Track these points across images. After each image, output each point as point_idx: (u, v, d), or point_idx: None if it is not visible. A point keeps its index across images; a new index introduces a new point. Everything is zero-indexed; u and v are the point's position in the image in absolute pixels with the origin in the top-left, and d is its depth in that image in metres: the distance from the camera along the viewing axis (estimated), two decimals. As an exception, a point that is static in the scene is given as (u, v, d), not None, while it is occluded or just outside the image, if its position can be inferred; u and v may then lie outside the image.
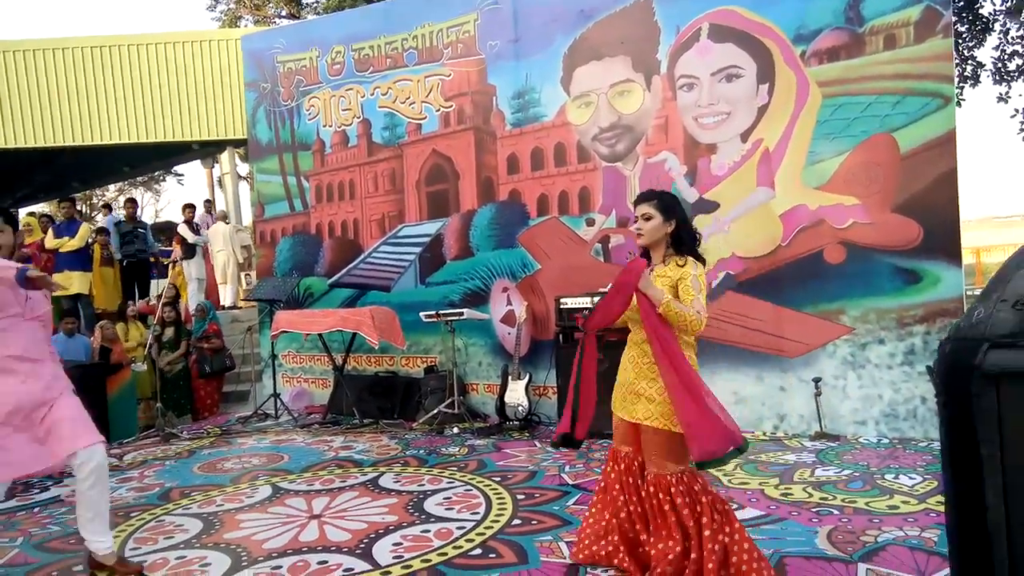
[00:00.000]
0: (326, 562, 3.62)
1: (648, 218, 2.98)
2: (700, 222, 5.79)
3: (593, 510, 3.28)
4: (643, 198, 3.05)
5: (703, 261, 3.02)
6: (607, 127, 6.15)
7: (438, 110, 6.98)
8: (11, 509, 4.90)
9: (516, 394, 6.26)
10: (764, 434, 5.68)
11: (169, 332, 8.24)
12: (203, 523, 4.35)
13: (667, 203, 3.01)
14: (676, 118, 5.88)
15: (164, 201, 26.44)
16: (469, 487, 4.72)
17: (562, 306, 5.82)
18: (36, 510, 4.87)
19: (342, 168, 7.61)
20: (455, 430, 6.32)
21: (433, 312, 6.56)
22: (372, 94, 7.34)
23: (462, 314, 6.44)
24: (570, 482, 4.64)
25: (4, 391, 3.21)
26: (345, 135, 7.58)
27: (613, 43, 6.10)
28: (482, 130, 6.76)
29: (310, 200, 7.87)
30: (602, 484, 3.24)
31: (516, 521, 4.00)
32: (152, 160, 19.96)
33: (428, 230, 7.13)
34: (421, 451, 5.76)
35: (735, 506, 3.96)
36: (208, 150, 17.13)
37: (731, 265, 5.70)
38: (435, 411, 6.58)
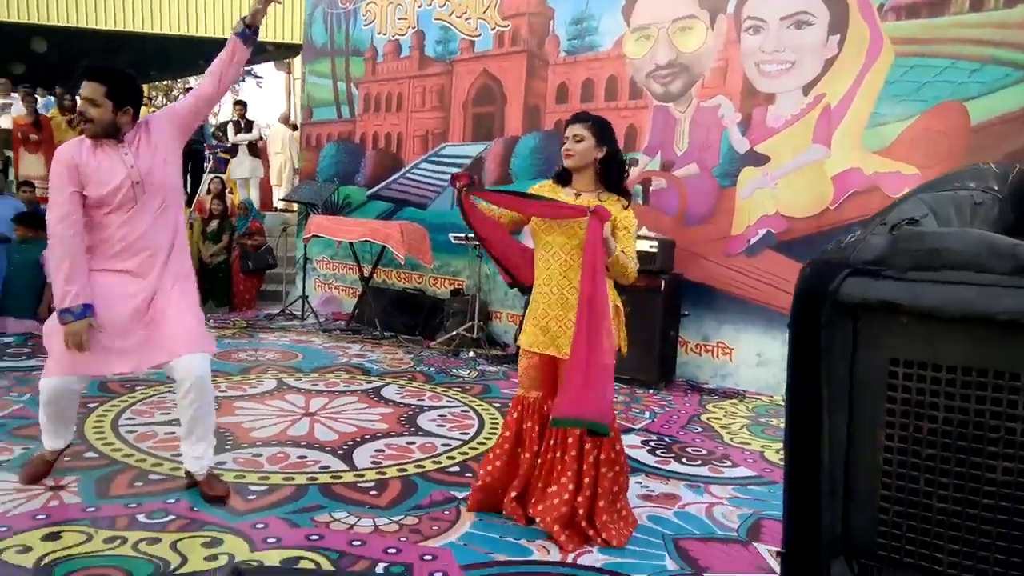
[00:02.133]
0: (305, 457, 3.66)
1: (579, 139, 2.88)
2: (747, 175, 5.54)
3: (491, 456, 3.08)
4: (577, 119, 2.95)
5: (629, 198, 2.95)
6: (664, 64, 5.86)
7: (493, 28, 6.76)
8: (30, 368, 5.08)
9: (535, 327, 6.18)
10: (783, 399, 5.51)
11: (213, 224, 8.36)
12: (201, 405, 4.43)
13: (602, 127, 2.92)
14: (737, 62, 5.56)
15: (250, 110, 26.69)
16: (467, 408, 4.71)
17: (591, 244, 5.67)
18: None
19: (392, 79, 7.48)
20: (471, 354, 6.30)
21: (463, 235, 6.47)
22: (429, 5, 7.14)
23: (491, 239, 6.33)
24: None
25: (108, 284, 2.95)
26: (398, 45, 7.42)
27: (682, -26, 5.76)
28: (535, 55, 6.53)
29: (358, 108, 7.78)
30: (505, 434, 3.05)
31: (502, 446, 3.97)
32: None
33: (470, 152, 7.00)
34: (431, 368, 5.76)
35: (728, 463, 3.86)
36: (283, 52, 17.17)
37: (773, 223, 5.44)
38: (454, 332, 6.56)
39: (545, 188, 3.02)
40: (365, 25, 7.65)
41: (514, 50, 6.64)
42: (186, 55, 18.75)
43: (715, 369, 5.71)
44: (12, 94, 10.26)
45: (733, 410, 4.98)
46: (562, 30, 6.36)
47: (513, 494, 2.99)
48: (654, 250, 5.39)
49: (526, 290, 3.07)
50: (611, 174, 2.92)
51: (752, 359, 5.54)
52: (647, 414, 4.75)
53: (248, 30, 3.13)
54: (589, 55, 6.22)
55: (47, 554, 2.55)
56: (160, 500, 3.05)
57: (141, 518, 2.87)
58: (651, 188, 5.97)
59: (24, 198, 7.63)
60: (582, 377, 2.67)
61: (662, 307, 5.36)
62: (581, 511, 2.83)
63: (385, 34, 7.50)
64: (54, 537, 2.68)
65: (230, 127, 10.76)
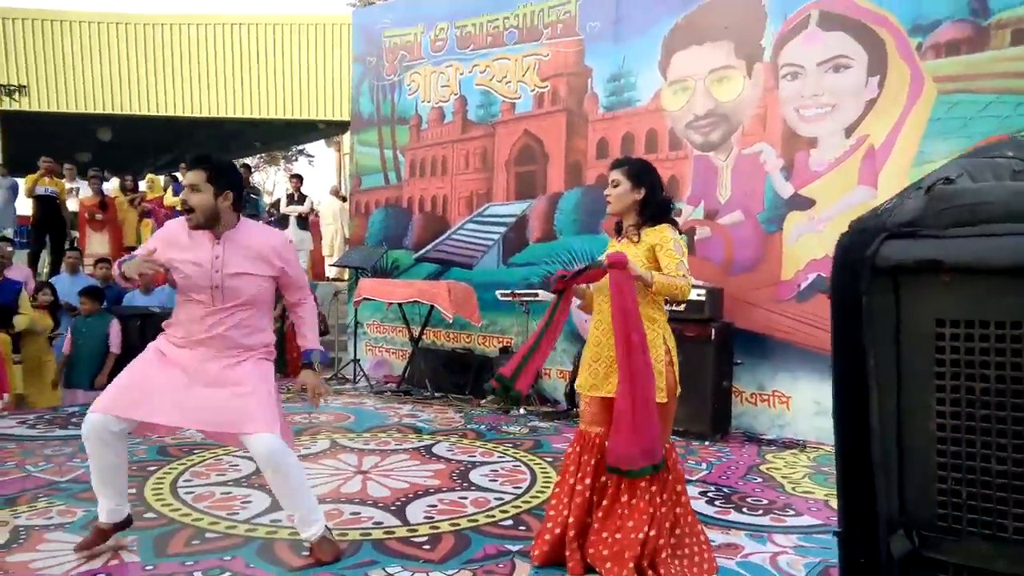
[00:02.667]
0: (359, 513, 3.65)
1: (616, 184, 2.92)
2: (792, 219, 5.50)
3: (554, 502, 3.02)
4: (614, 165, 3.00)
5: (675, 225, 2.94)
6: (703, 114, 5.92)
7: (533, 90, 6.94)
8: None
9: (585, 382, 6.14)
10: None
11: (267, 293, 8.57)
12: (255, 465, 4.48)
13: (636, 170, 2.93)
14: (776, 108, 5.59)
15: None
16: (518, 463, 4.66)
17: (638, 295, 5.65)
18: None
19: (436, 144, 7.69)
20: (521, 411, 6.26)
21: (509, 291, 6.52)
22: (471, 71, 7.38)
23: (537, 295, 6.37)
24: (622, 471, 4.49)
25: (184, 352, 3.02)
26: (442, 111, 7.65)
27: (716, 27, 5.86)
28: (574, 113, 6.66)
29: (404, 174, 8.00)
30: (569, 468, 2.99)
31: (555, 500, 3.91)
32: (281, 138, 21.02)
33: (514, 210, 7.10)
34: (482, 426, 5.74)
35: (791, 512, 3.73)
36: (333, 130, 17.86)
37: (823, 267, 5.36)
38: (503, 391, 6.54)
39: (613, 245, 3.07)
40: (409, 94, 7.92)
41: (554, 109, 6.79)
42: (243, 138, 19.63)
43: (772, 419, 5.57)
44: (78, 179, 10.82)
45: (794, 460, 4.83)
46: (600, 87, 6.49)
47: (571, 533, 2.91)
48: (702, 298, 5.34)
49: (509, 392, 2.99)
50: (650, 212, 2.91)
51: (810, 407, 5.39)
52: (704, 465, 4.63)
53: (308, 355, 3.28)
54: (628, 109, 6.32)
55: (108, 611, 2.58)
56: (217, 557, 3.06)
57: (198, 575, 2.89)
58: (696, 237, 5.96)
59: (100, 275, 7.95)
60: (629, 422, 2.67)
61: (714, 356, 5.28)
62: (640, 549, 2.74)
63: (429, 102, 7.75)
64: (115, 595, 2.71)
65: (283, 199, 11.14)
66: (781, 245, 5.53)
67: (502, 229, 7.18)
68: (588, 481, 2.92)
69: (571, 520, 2.91)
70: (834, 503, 3.86)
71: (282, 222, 10.63)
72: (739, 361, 5.57)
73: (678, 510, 2.89)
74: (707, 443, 5.17)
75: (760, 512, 3.74)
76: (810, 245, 5.41)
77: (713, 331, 5.32)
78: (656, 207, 2.92)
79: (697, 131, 5.96)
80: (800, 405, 5.44)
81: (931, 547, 0.80)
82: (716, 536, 3.37)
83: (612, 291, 2.73)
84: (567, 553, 2.89)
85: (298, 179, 11.26)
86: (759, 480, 4.33)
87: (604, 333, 2.92)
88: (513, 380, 2.92)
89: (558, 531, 2.94)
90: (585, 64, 6.59)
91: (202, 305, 2.97)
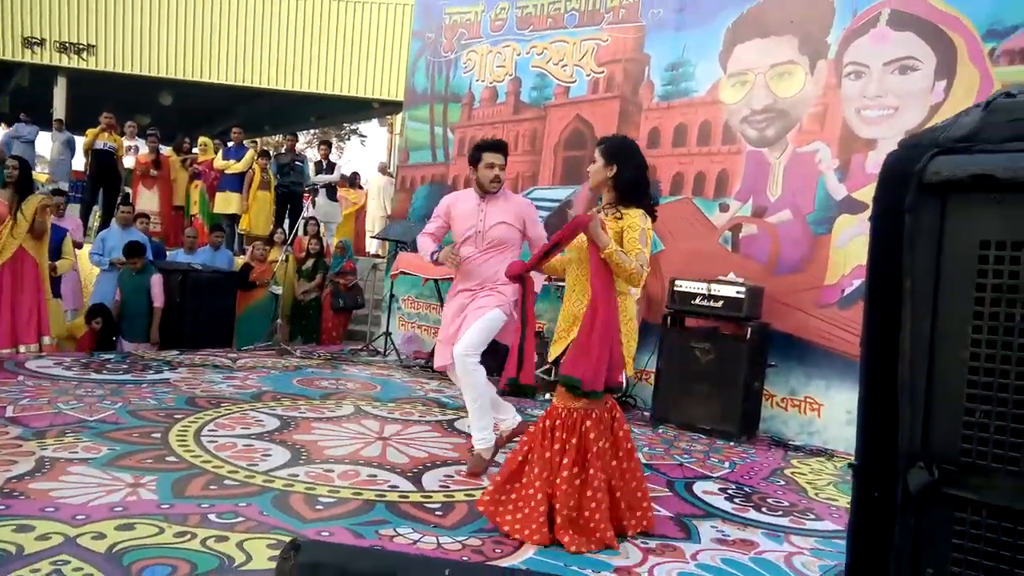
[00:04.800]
0: (375, 476, 3.65)
1: (593, 162, 3.08)
2: (845, 222, 5.33)
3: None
4: (597, 142, 3.16)
5: (653, 214, 3.05)
6: (760, 109, 5.77)
7: (588, 75, 6.84)
8: (123, 381, 5.31)
9: (616, 373, 6.06)
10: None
11: (308, 263, 8.66)
12: (280, 422, 4.52)
13: (613, 147, 3.06)
14: (836, 107, 5.42)
15: (345, 159, 28.03)
16: (540, 445, 4.61)
17: (676, 288, 5.55)
18: (143, 385, 5.25)
19: (487, 123, 7.64)
20: (547, 396, 6.20)
21: (545, 277, 6.44)
22: (528, 53, 7.31)
23: (574, 281, 6.29)
24: (644, 461, 4.41)
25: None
26: (495, 91, 7.60)
27: (782, 22, 5.70)
28: (628, 100, 6.56)
29: (452, 152, 7.98)
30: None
31: (574, 482, 3.85)
32: (337, 113, 21.22)
33: (559, 195, 7.03)
34: (507, 407, 5.69)
35: (811, 516, 3.63)
36: (387, 109, 17.96)
37: (870, 274, 5.20)
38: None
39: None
40: (464, 72, 7.89)
41: (608, 95, 6.70)
42: (297, 112, 19.85)
43: (802, 425, 5.42)
44: (136, 138, 11.04)
45: (820, 467, 4.69)
46: (657, 76, 6.37)
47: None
48: (740, 296, 5.22)
49: (524, 390, 3.31)
50: (625, 192, 3.03)
51: (842, 417, 5.23)
52: (727, 464, 4.53)
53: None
54: (683, 100, 6.19)
55: (119, 542, 2.61)
56: (232, 503, 3.08)
57: (212, 517, 2.90)
58: (741, 234, 5.82)
59: (140, 229, 8.12)
60: (585, 342, 2.85)
61: (747, 356, 5.16)
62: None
63: (483, 81, 7.71)
64: (128, 528, 2.74)
65: (311, 166, 10.88)
66: (829, 248, 5.37)
67: (545, 213, 7.09)
68: (557, 446, 3.00)
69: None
70: (861, 512, 3.75)
71: (312, 191, 10.28)
72: (773, 364, 5.43)
73: (576, 482, 2.93)
74: (732, 443, 5.06)
75: (779, 513, 3.63)
76: (859, 250, 5.23)
77: (749, 330, 5.19)
78: (624, 184, 3.02)
79: (752, 126, 5.81)
80: (832, 414, 5.28)
81: (951, 482, 0.74)
82: (732, 531, 3.29)
83: (590, 247, 2.89)
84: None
85: (327, 146, 11.16)
86: (782, 483, 4.22)
87: (574, 304, 3.08)
88: (518, 378, 3.10)
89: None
90: (644, 51, 6.48)
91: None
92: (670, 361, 5.48)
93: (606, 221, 2.97)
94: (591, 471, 2.92)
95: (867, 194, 5.15)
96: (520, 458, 3.05)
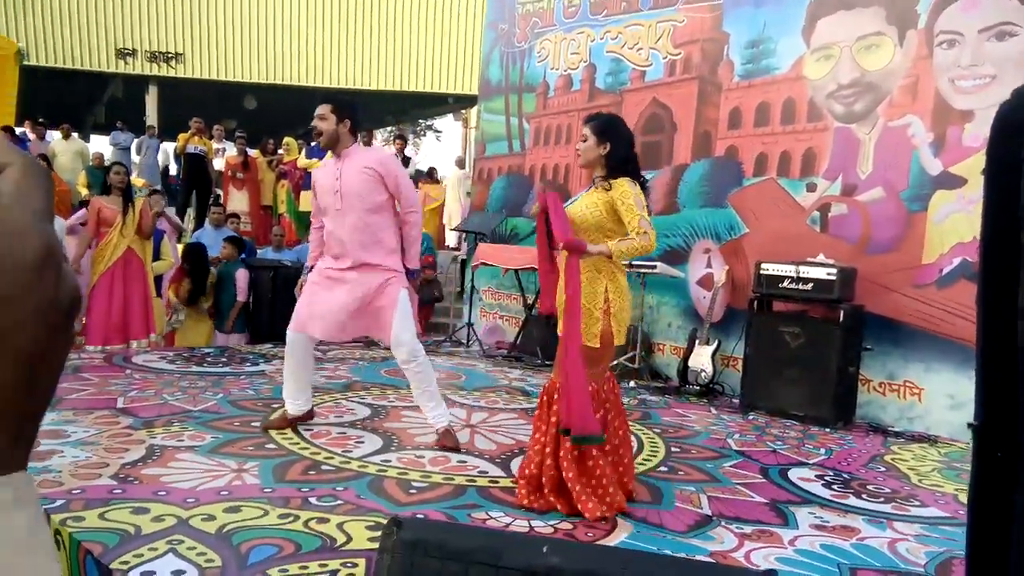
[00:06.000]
0: (465, 462, 3.70)
1: (584, 139, 3.12)
2: (940, 199, 5.10)
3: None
4: (585, 120, 3.21)
5: (641, 182, 3.12)
6: (847, 83, 5.56)
7: (665, 57, 6.73)
8: (222, 373, 5.54)
9: (701, 359, 5.97)
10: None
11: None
12: (371, 411, 4.64)
13: (604, 125, 3.13)
14: (929, 78, 5.18)
15: (421, 154, 28.49)
16: (626, 431, 4.59)
17: (762, 272, 5.42)
18: (242, 377, 5.47)
19: (562, 112, 7.62)
20: (631, 383, 6.17)
21: (627, 262, 6.39)
22: (602, 38, 7.24)
23: (655, 267, 6.22)
24: (735, 447, 4.35)
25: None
26: (569, 79, 7.57)
27: (867, -8, 5.48)
28: (707, 80, 6.42)
29: (528, 142, 7.99)
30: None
31: (663, 468, 3.83)
32: (413, 109, 21.53)
33: (637, 181, 6.95)
34: (591, 395, 5.69)
35: (916, 503, 3.50)
36: (461, 104, 18.13)
37: (970, 251, 4.95)
38: (615, 362, 6.45)
39: (585, 195, 3.30)
40: (538, 62, 7.88)
41: (685, 77, 6.58)
42: (375, 109, 20.22)
43: (901, 411, 5.22)
44: (224, 140, 11.48)
45: (922, 453, 4.51)
46: (737, 54, 6.22)
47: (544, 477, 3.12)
48: (832, 278, 5.06)
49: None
50: (615, 169, 3.09)
51: (944, 401, 5.02)
52: (823, 451, 4.41)
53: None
54: (765, 78, 6.03)
55: (228, 524, 2.73)
56: (330, 487, 3.18)
57: (312, 500, 3.01)
58: (830, 214, 5.64)
59: (232, 229, 8.46)
60: (566, 392, 2.93)
61: (840, 340, 5.00)
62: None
63: (557, 69, 7.69)
64: (235, 510, 2.86)
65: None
66: (925, 226, 5.14)
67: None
68: (544, 428, 3.17)
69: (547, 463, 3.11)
70: (962, 497, 3.59)
71: None
72: (869, 347, 5.25)
73: (575, 452, 3.03)
74: (828, 430, 4.92)
75: (881, 500, 3.52)
76: (958, 227, 5.00)
77: (842, 313, 5.03)
78: (617, 160, 3.10)
79: (839, 101, 5.61)
80: (933, 398, 5.07)
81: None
82: (831, 517, 3.20)
83: (565, 273, 2.97)
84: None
85: (402, 140, 11.33)
86: (882, 469, 4.08)
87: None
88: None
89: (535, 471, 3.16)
90: (722, 30, 6.33)
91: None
92: (758, 346, 5.37)
93: (596, 194, 3.10)
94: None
95: (965, 168, 4.93)
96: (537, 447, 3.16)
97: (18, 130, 11.07)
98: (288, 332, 3.98)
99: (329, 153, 3.98)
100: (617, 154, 3.10)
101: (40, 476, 3.09)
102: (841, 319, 5.04)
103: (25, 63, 10.86)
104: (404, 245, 3.93)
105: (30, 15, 14.43)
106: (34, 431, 0.30)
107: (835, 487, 3.67)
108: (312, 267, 4.04)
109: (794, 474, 3.85)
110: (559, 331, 3.11)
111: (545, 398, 3.21)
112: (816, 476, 3.84)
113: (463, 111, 19.55)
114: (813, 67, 5.76)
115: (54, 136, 12.03)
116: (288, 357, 4.03)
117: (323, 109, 3.87)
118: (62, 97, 16.52)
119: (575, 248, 2.96)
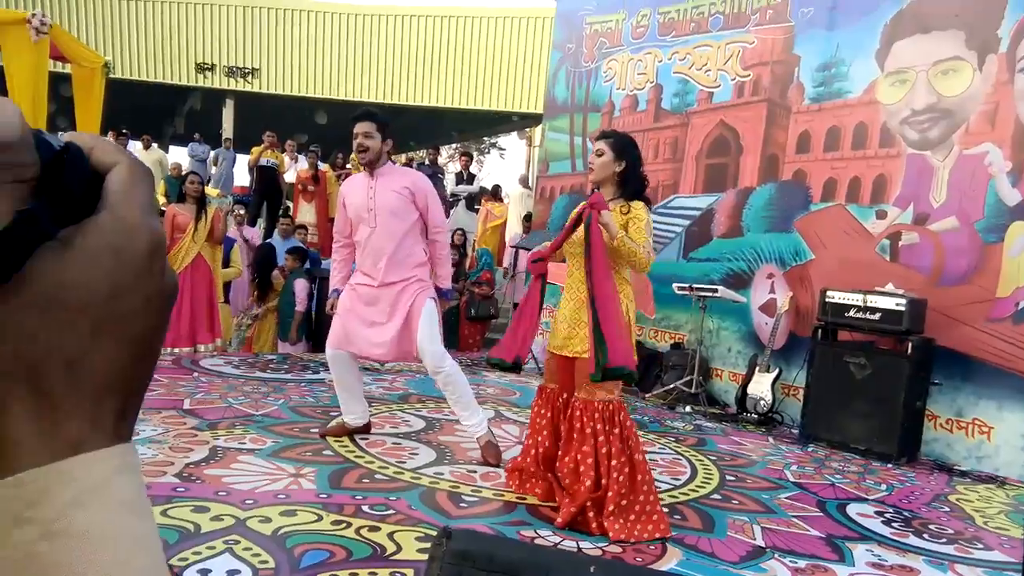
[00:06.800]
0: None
1: (600, 154, 3.18)
2: (1018, 230, 4.91)
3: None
4: (600, 136, 3.27)
5: (649, 204, 3.22)
6: (921, 109, 5.42)
7: (733, 79, 6.67)
8: (285, 380, 5.68)
9: (761, 387, 5.85)
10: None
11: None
12: (425, 423, 4.69)
13: (622, 143, 3.19)
14: (1009, 105, 5.01)
15: (485, 171, 28.78)
16: (679, 456, 4.53)
17: (827, 299, 5.29)
18: (302, 384, 5.60)
19: (627, 132, 7.62)
20: (687, 408, 6.08)
21: (687, 285, 6.34)
22: (670, 59, 7.22)
23: (716, 291, 6.14)
24: (792, 479, 4.25)
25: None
26: (635, 99, 7.56)
27: (946, 15, 5.33)
28: (776, 103, 6.34)
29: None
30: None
31: (716, 496, 3.77)
32: (478, 127, 21.81)
33: (700, 204, 6.89)
34: (646, 418, 5.63)
35: (979, 546, 3.36)
36: (526, 122, 18.29)
37: (1050, 286, 4.76)
38: (671, 386, 6.38)
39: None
40: (605, 82, 7.90)
41: (754, 100, 6.50)
42: (440, 127, 20.55)
43: (969, 449, 5.01)
44: (297, 154, 11.82)
45: (989, 495, 4.33)
46: (807, 77, 6.13)
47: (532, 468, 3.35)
48: (901, 308, 4.92)
49: (509, 366, 3.42)
50: (627, 186, 3.17)
51: (1016, 441, 4.80)
52: (883, 487, 4.27)
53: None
54: (837, 101, 5.92)
55: (283, 527, 2.80)
56: (383, 496, 3.23)
57: (365, 508, 3.06)
58: (900, 243, 5.48)
59: (299, 239, 8.69)
60: (615, 329, 2.87)
61: (908, 373, 4.85)
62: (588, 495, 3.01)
63: (623, 89, 7.69)
64: (290, 514, 2.93)
65: (451, 178, 11.18)
66: (1001, 258, 4.96)
67: (686, 222, 6.99)
68: (550, 429, 3.28)
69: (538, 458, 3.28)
70: (1040, 544, 3.43)
71: (450, 203, 10.59)
72: (937, 382, 5.06)
73: (626, 470, 3.00)
74: (890, 465, 4.76)
75: (943, 540, 3.38)
76: (1036, 259, 4.81)
77: (910, 345, 4.88)
78: (636, 181, 3.17)
79: (913, 127, 5.47)
80: (1004, 438, 4.86)
81: None
82: (889, 556, 3.10)
83: (592, 229, 2.94)
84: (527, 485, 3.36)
85: (468, 157, 11.38)
86: (946, 509, 3.93)
87: (575, 290, 3.27)
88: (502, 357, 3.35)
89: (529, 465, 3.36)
90: (793, 52, 6.25)
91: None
92: (821, 376, 5.24)
93: (613, 213, 3.11)
94: (636, 457, 3.08)
95: (1047, 199, 4.73)
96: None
97: (103, 139, 11.56)
98: (327, 349, 4.10)
99: (357, 167, 4.12)
100: (633, 173, 3.18)
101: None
102: (909, 351, 4.89)
103: (111, 76, 11.40)
104: (433, 266, 4.01)
105: (117, 31, 15.17)
106: (137, 407, 0.33)
107: (895, 525, 3.55)
108: (339, 291, 4.13)
109: (852, 509, 3.74)
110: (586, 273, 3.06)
111: (539, 402, 3.38)
112: (876, 512, 3.72)
113: (527, 129, 19.72)
114: (887, 91, 5.63)
115: (135, 146, 12.58)
116: (333, 371, 4.14)
117: (368, 127, 3.89)
118: (144, 109, 17.26)
119: (599, 202, 3.02)
